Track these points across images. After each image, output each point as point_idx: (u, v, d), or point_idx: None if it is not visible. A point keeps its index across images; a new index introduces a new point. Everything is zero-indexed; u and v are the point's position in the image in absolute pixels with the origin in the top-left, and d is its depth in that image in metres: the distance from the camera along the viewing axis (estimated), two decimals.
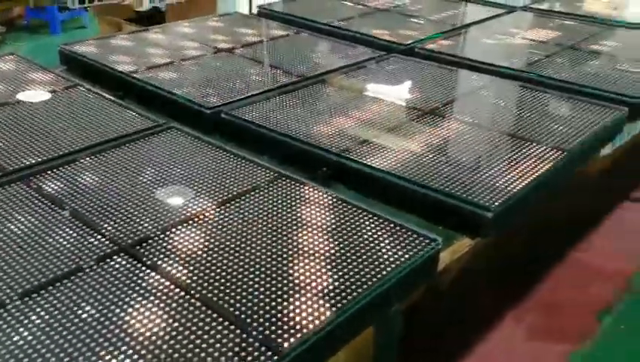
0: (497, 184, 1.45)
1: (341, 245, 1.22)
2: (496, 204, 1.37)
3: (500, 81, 2.12)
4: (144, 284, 1.11)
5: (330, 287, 1.11)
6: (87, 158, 1.53)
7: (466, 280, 1.82)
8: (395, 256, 1.19)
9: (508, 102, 1.97)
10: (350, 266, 1.16)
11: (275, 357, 0.95)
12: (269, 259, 1.18)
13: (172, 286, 1.10)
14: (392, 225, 1.28)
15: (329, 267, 1.16)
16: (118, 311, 1.04)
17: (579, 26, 2.77)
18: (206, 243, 1.22)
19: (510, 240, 2.74)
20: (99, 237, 1.23)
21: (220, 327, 1.01)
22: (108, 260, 1.17)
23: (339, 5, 3.06)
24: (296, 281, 1.12)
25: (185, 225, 1.28)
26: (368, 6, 3.05)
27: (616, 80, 2.12)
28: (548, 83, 2.10)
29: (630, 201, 3.64)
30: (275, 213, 1.33)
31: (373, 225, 1.28)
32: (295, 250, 1.21)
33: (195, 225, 1.28)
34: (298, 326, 1.02)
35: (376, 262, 1.17)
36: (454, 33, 2.64)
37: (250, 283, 1.12)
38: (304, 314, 1.04)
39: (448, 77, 2.15)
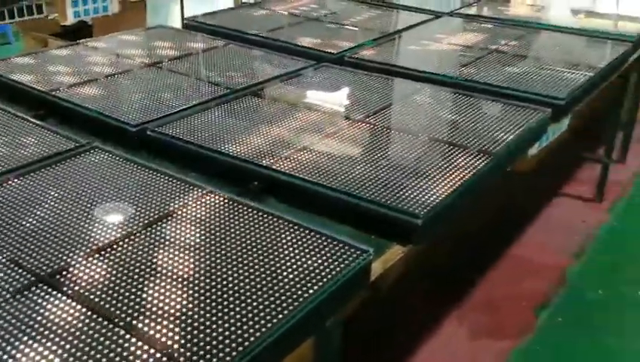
0: (426, 191, 1.46)
1: (271, 262, 1.20)
2: (425, 210, 1.37)
3: (428, 87, 2.14)
4: (64, 315, 1.05)
5: (261, 307, 1.08)
6: (3, 184, 1.45)
7: (403, 286, 1.82)
8: (327, 270, 1.18)
9: (436, 107, 2.00)
10: (280, 283, 1.14)
11: None
12: (196, 281, 1.15)
13: (94, 316, 1.05)
14: (322, 238, 1.26)
15: (259, 286, 1.13)
16: (36, 345, 0.99)
17: (504, 30, 2.85)
18: (130, 268, 1.18)
19: (444, 243, 2.78)
20: (16, 268, 1.17)
21: (145, 356, 0.97)
22: (26, 292, 1.11)
23: (268, 15, 3.05)
24: (225, 303, 1.09)
25: (108, 250, 1.23)
26: (298, 15, 3.05)
27: (540, 82, 2.18)
28: (474, 87, 2.14)
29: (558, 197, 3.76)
30: (202, 232, 1.29)
31: (303, 239, 1.26)
32: (224, 270, 1.18)
33: (119, 249, 1.23)
34: (227, 350, 0.99)
35: (308, 278, 1.16)
36: (383, 41, 2.66)
37: (178, 306, 1.08)
38: (233, 337, 1.01)
39: (378, 85, 2.16)
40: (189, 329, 1.03)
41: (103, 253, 1.22)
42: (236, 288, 1.12)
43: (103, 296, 1.10)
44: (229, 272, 1.17)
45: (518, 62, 2.40)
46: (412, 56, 2.53)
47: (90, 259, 1.20)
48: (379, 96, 2.05)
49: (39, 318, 1.05)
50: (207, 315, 1.06)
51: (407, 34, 2.80)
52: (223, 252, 1.23)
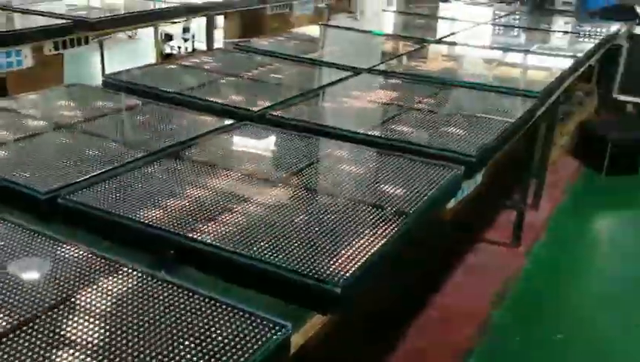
0: (345, 256, 1.46)
1: (179, 341, 1.16)
2: (344, 278, 1.37)
3: (347, 146, 2.18)
4: None
5: None
6: None
7: (329, 345, 1.81)
8: (242, 349, 1.15)
9: (354, 167, 2.03)
10: None
11: None
12: None
13: None
14: (237, 313, 1.24)
15: None
16: None
17: (419, 87, 2.95)
18: (35, 356, 1.11)
19: (370, 295, 2.78)
20: None
21: None
22: None
23: (189, 72, 3.04)
24: None
25: (10, 336, 1.15)
26: (219, 72, 3.05)
27: (453, 139, 2.26)
28: (392, 145, 2.19)
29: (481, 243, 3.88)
30: (109, 311, 1.24)
31: (216, 314, 1.23)
32: (129, 352, 1.12)
33: (22, 336, 1.16)
34: None
35: (224, 358, 1.12)
36: (304, 98, 2.70)
37: None
38: None
39: (298, 144, 2.17)
40: None
41: (5, 339, 1.14)
42: None
43: None
44: (133, 354, 1.12)
45: (433, 119, 2.48)
46: (332, 114, 2.58)
47: None
48: (299, 156, 2.06)
49: None
50: None
51: (328, 91, 2.85)
52: (129, 332, 1.17)
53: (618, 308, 3.43)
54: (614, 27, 5.05)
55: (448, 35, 4.23)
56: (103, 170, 1.85)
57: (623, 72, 5.88)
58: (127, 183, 1.80)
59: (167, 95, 2.63)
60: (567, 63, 3.49)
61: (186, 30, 6.27)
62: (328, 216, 1.67)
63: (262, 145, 2.18)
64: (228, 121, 2.34)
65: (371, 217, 1.68)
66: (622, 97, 6.00)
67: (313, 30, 4.20)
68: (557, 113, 4.29)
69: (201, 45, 5.41)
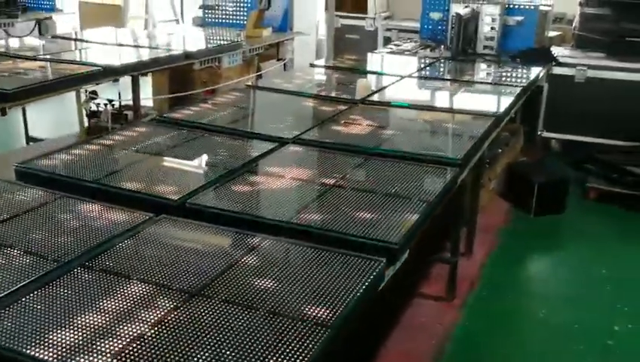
0: None
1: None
2: None
3: (268, 239, 2.14)
4: None
5: None
6: None
7: None
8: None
9: (272, 263, 1.99)
10: None
11: None
12: None
13: None
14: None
15: None
16: None
17: (343, 159, 2.95)
18: None
19: None
20: None
21: None
22: None
23: (108, 153, 2.95)
24: None
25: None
26: (140, 151, 2.97)
27: (374, 225, 2.25)
28: (312, 233, 2.17)
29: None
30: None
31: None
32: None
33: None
34: None
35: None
36: (228, 179, 2.65)
37: None
38: None
39: (217, 241, 2.13)
40: None
41: None
42: None
43: None
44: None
45: (356, 200, 2.48)
46: (254, 199, 2.54)
47: None
48: (217, 257, 2.01)
49: None
50: None
51: (252, 168, 2.81)
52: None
53: (554, 356, 3.49)
54: (535, 72, 5.25)
55: (375, 93, 4.29)
56: (6, 292, 1.75)
57: (545, 110, 6.12)
58: (30, 307, 1.70)
59: (83, 184, 2.54)
60: (488, 121, 3.58)
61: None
62: (243, 334, 1.62)
63: (180, 246, 2.11)
64: (145, 215, 2.27)
65: (290, 329, 1.64)
66: (546, 134, 6.23)
67: (238, 94, 4.16)
68: (483, 164, 4.39)
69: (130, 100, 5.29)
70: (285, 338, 1.61)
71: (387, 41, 7.83)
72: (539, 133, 6.20)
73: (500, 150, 5.46)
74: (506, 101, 4.08)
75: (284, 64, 6.87)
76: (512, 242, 4.78)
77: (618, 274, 4.34)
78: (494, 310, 3.91)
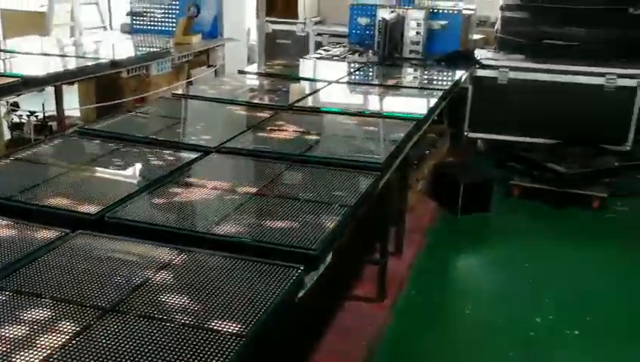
0: None
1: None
2: None
3: (187, 253, 2.14)
4: None
5: None
6: None
7: None
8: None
9: (192, 275, 2.00)
10: None
11: None
12: None
13: None
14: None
15: None
16: None
17: (268, 166, 2.97)
18: None
19: None
20: None
21: None
22: None
23: (25, 169, 2.87)
24: None
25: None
26: (58, 166, 2.91)
27: (294, 232, 2.28)
28: (228, 242, 2.19)
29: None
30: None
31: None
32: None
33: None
34: None
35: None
36: (149, 191, 2.62)
37: None
38: None
39: (137, 255, 2.11)
40: None
41: None
42: None
43: None
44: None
45: (276, 208, 2.51)
46: (176, 210, 2.53)
47: None
48: (129, 275, 1.99)
49: None
50: None
51: (175, 178, 2.78)
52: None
53: (480, 350, 3.61)
54: (458, 75, 5.42)
55: (302, 99, 4.34)
56: None
57: (470, 111, 6.33)
58: None
59: None
60: (410, 125, 3.68)
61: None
62: (158, 349, 1.62)
63: (97, 265, 2.07)
64: (56, 232, 2.22)
65: (205, 344, 1.65)
66: (472, 135, 6.44)
67: (165, 103, 4.13)
68: (410, 166, 4.51)
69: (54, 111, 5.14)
70: (200, 350, 1.62)
71: (318, 45, 7.91)
72: (465, 133, 6.41)
73: (428, 151, 5.61)
74: (428, 104, 4.21)
75: (215, 70, 6.84)
76: (440, 241, 4.92)
77: (540, 267, 4.54)
78: (423, 309, 4.02)
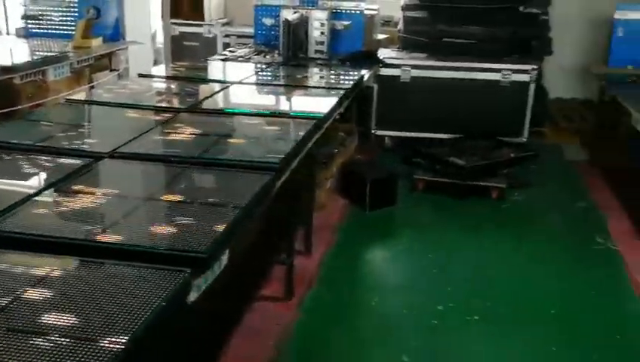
0: None
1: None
2: None
3: (68, 262, 2.08)
4: None
5: None
6: None
7: None
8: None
9: (72, 284, 1.94)
10: None
11: None
12: None
13: None
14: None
15: None
16: None
17: (162, 169, 2.92)
18: None
19: None
20: None
21: None
22: None
23: None
24: None
25: None
26: None
27: (183, 236, 2.26)
28: (113, 248, 2.14)
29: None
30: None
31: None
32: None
33: None
34: None
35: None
36: (32, 201, 2.52)
37: None
38: None
39: (11, 268, 2.02)
40: None
41: None
42: None
43: None
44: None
45: (167, 212, 2.48)
46: (60, 220, 2.44)
47: None
48: (1, 289, 1.91)
49: None
50: None
51: (62, 187, 2.69)
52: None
53: (384, 339, 3.70)
54: (360, 74, 5.52)
55: (203, 100, 4.29)
56: None
57: (376, 110, 6.47)
58: None
59: None
60: (310, 124, 3.71)
61: None
62: None
63: None
64: None
65: (83, 355, 1.60)
66: (379, 133, 6.59)
67: (60, 108, 3.99)
68: (316, 164, 4.56)
69: None
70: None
71: (227, 47, 7.87)
72: (372, 131, 6.55)
73: (336, 150, 5.70)
74: (329, 103, 4.26)
75: (119, 74, 6.66)
76: (349, 238, 5.01)
77: (442, 257, 4.71)
78: (330, 305, 4.07)
